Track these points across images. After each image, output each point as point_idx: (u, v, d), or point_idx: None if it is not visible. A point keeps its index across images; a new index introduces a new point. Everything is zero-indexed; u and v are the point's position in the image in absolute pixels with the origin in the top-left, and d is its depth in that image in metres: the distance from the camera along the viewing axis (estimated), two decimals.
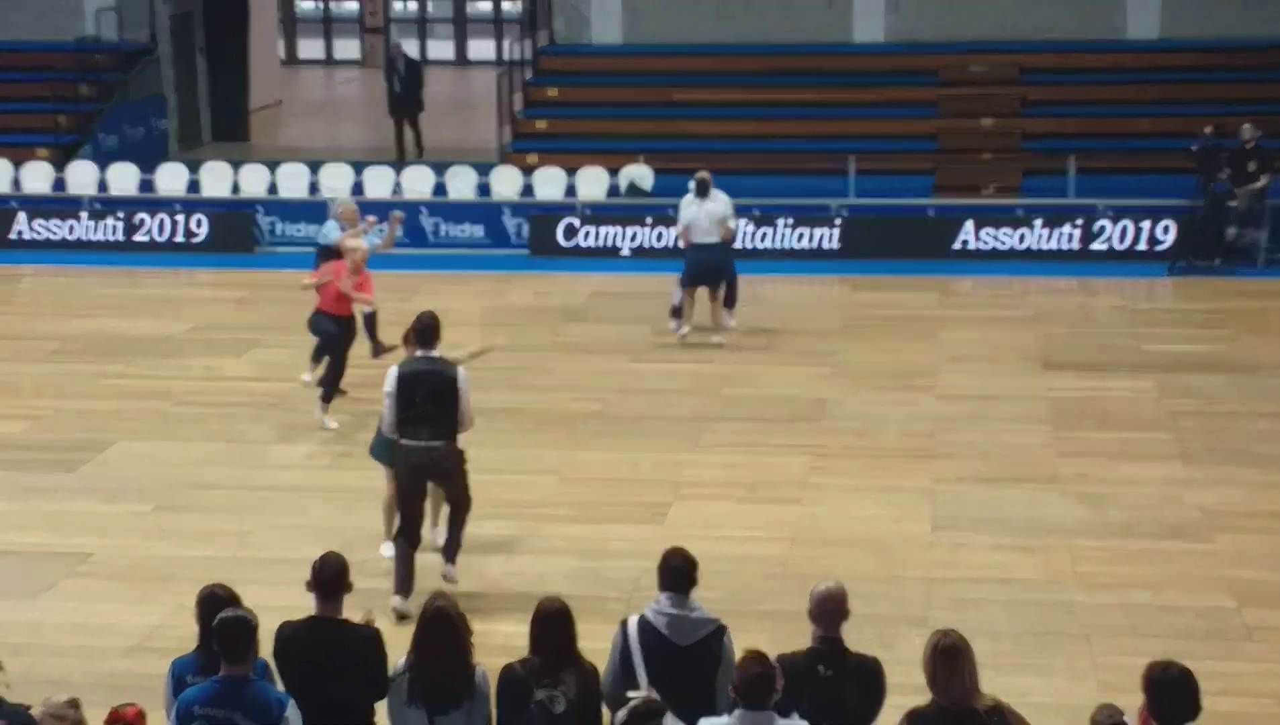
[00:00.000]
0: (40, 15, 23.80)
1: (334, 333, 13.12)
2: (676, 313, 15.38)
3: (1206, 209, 17.76)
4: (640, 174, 20.02)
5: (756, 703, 5.74)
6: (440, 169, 20.66)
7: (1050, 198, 19.12)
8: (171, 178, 20.93)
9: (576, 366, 14.74)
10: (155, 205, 20.12)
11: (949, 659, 5.75)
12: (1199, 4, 21.75)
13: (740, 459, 12.27)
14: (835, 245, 18.83)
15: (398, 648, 6.46)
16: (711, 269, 15.12)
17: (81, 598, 10.05)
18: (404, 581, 9.51)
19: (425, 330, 9.59)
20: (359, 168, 20.79)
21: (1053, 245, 18.50)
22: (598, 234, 19.20)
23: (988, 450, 12.36)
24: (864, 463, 12.14)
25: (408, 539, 9.59)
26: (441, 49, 35.71)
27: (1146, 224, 18.33)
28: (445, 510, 10.05)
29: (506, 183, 20.24)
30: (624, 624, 6.48)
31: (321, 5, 38.67)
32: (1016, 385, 14.02)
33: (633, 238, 19.12)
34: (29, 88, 22.68)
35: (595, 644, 6.50)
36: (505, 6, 36.08)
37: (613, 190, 20.01)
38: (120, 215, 19.91)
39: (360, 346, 13.68)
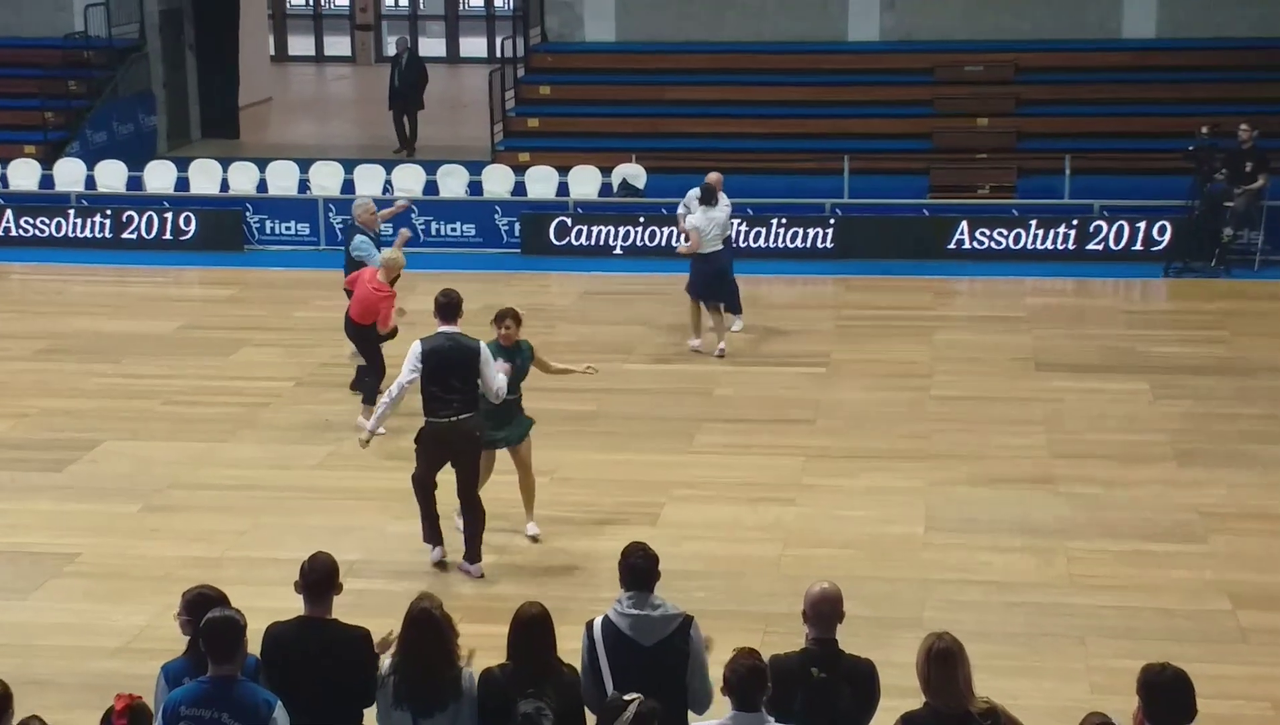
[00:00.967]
0: (29, 11, 23.75)
1: (371, 338, 12.87)
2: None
3: (1203, 209, 17.72)
4: (633, 173, 19.97)
5: (748, 700, 5.68)
6: (432, 167, 20.60)
7: (1045, 198, 19.09)
8: (160, 175, 20.85)
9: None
10: (144, 203, 20.03)
11: (943, 662, 5.70)
12: (1195, 4, 21.75)
13: (733, 460, 12.22)
14: (829, 245, 18.78)
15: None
16: (719, 278, 14.93)
17: (69, 598, 9.99)
18: (434, 534, 10.13)
19: (447, 306, 9.85)
20: (349, 166, 20.73)
21: (1048, 246, 18.45)
22: (590, 233, 19.13)
23: (982, 451, 12.31)
24: (858, 464, 12.09)
25: (426, 496, 10.01)
26: (433, 46, 35.63)
27: (1142, 224, 18.29)
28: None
29: (498, 181, 20.18)
30: (589, 626, 6.41)
31: (312, 1, 38.59)
32: (1011, 386, 13.98)
33: (625, 237, 19.05)
34: (17, 84, 22.60)
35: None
36: (497, 3, 36.02)
37: (605, 189, 19.95)
38: (108, 213, 19.82)
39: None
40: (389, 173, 20.50)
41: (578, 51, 23.11)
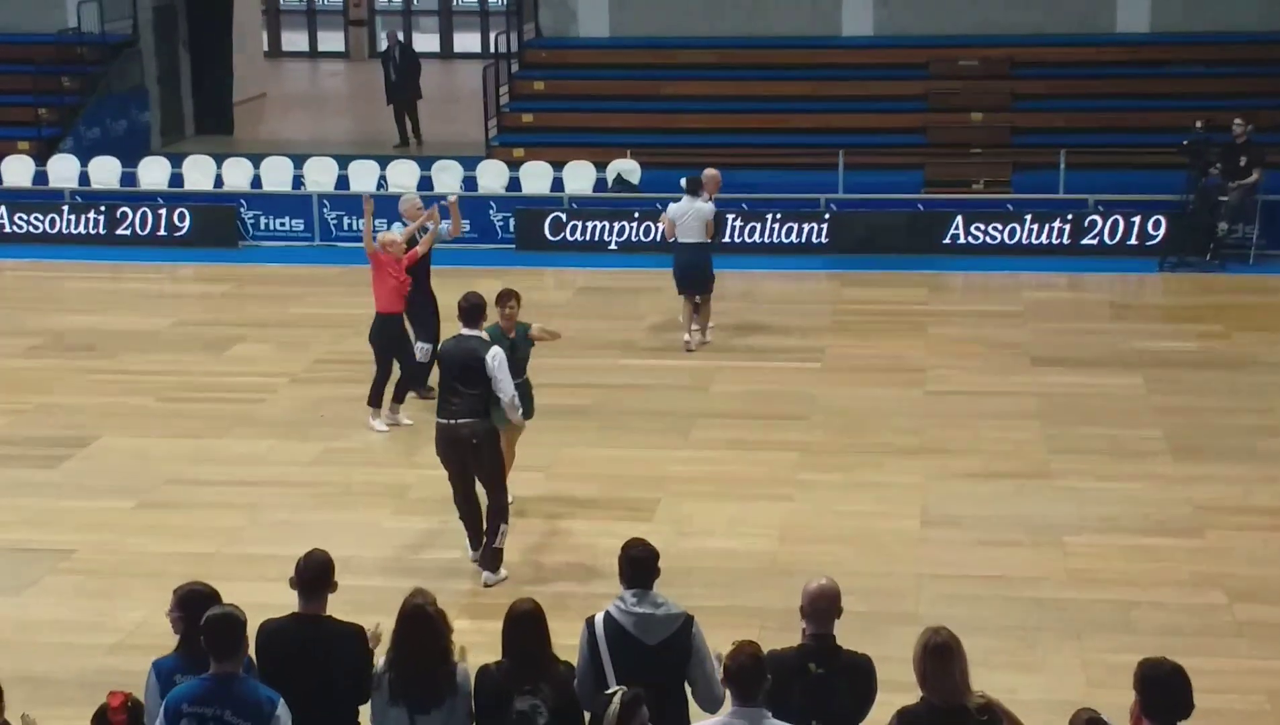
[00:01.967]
0: (22, 7, 23.67)
1: (396, 334, 12.83)
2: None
3: (1197, 204, 17.73)
4: (628, 168, 19.95)
5: (747, 691, 5.68)
6: (426, 163, 20.57)
7: (1040, 192, 19.07)
8: (154, 171, 20.81)
9: (563, 362, 14.66)
10: (137, 199, 19.99)
11: (940, 657, 5.70)
12: None
13: (729, 455, 12.21)
14: (824, 240, 18.77)
15: (382, 647, 6.37)
16: (697, 270, 14.83)
17: (64, 594, 9.98)
18: (474, 537, 10.06)
19: (468, 310, 9.98)
20: (344, 161, 20.69)
21: (1043, 240, 18.45)
22: (584, 228, 19.11)
23: (977, 446, 12.31)
24: (853, 459, 12.08)
25: (461, 503, 10.00)
26: (427, 41, 35.56)
27: (1137, 219, 18.29)
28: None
29: (492, 177, 20.16)
30: (590, 622, 6.39)
31: None
32: (1006, 381, 13.98)
33: (620, 232, 19.03)
34: (10, 80, 22.56)
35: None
36: None
37: (600, 185, 19.92)
38: (102, 209, 19.79)
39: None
40: (383, 168, 20.47)
41: (572, 47, 23.08)
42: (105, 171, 20.80)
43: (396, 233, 13.13)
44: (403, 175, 20.33)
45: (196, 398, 13.81)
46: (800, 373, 14.29)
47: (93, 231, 19.75)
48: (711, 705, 6.31)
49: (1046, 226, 18.45)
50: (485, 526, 9.96)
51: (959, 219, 18.61)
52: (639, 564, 6.40)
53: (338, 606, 6.54)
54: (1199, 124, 17.69)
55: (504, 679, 6.08)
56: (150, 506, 11.33)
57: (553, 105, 22.17)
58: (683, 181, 15.06)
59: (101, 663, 8.87)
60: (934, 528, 10.77)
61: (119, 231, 19.70)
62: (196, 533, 10.81)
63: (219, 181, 20.58)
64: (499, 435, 10.06)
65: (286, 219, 19.74)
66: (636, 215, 18.96)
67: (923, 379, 14.02)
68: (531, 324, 10.84)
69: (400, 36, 25.74)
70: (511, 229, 19.34)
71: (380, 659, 6.29)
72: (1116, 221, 18.34)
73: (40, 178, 20.76)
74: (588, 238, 19.08)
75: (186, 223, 19.66)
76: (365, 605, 7.25)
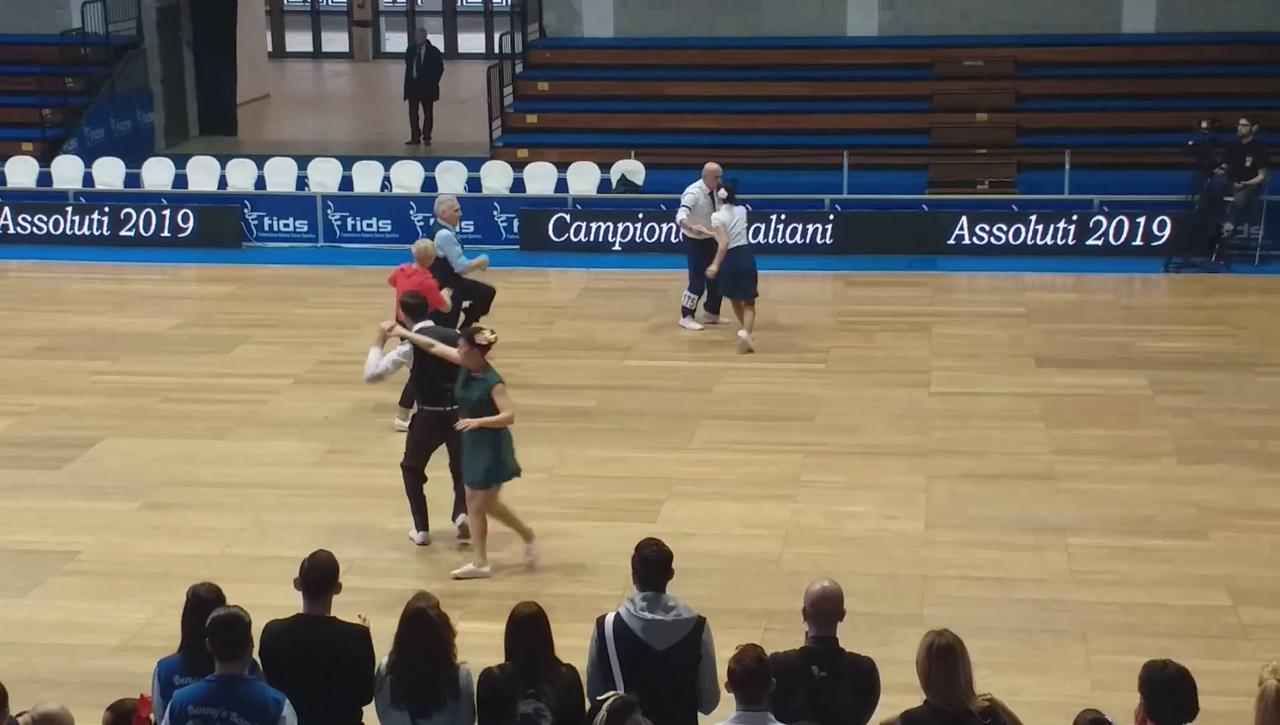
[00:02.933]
0: (26, 8, 23.68)
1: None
2: (690, 312, 15.53)
3: (1202, 205, 17.69)
4: (631, 169, 19.93)
5: (752, 695, 5.67)
6: (430, 163, 20.57)
7: (1045, 193, 19.05)
8: (158, 172, 20.81)
9: (567, 363, 14.66)
10: (142, 200, 19.99)
11: (944, 659, 5.68)
12: None
13: (733, 456, 12.20)
14: (828, 241, 18.75)
15: (383, 646, 6.37)
16: (752, 273, 14.88)
17: (69, 596, 9.97)
18: (421, 514, 10.47)
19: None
20: (348, 162, 20.69)
21: (1047, 241, 18.42)
22: (588, 229, 19.10)
23: (982, 447, 12.29)
24: (857, 460, 12.07)
25: (416, 476, 10.39)
26: (431, 42, 35.58)
27: (1142, 220, 18.26)
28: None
29: (497, 177, 20.15)
30: (600, 623, 6.37)
31: None
32: (1011, 382, 13.96)
33: (624, 233, 19.01)
34: (14, 81, 22.55)
35: (585, 644, 6.40)
36: (496, 0, 35.95)
37: (603, 185, 19.91)
38: (106, 210, 19.78)
39: None
40: (387, 169, 20.47)
41: (576, 47, 23.06)
42: (109, 172, 20.80)
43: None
44: (407, 176, 20.32)
45: (200, 399, 13.81)
46: (804, 373, 14.27)
47: (96, 232, 19.75)
48: (708, 705, 6.31)
49: (1051, 227, 18.42)
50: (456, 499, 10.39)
51: (964, 219, 18.59)
52: (653, 565, 6.36)
53: (340, 608, 6.53)
54: (1204, 124, 17.64)
55: (507, 682, 6.07)
56: (154, 508, 11.32)
57: (557, 106, 22.15)
58: (722, 192, 14.99)
59: (105, 664, 8.87)
60: (938, 529, 10.75)
61: (123, 232, 19.70)
62: (200, 534, 10.81)
63: (223, 182, 20.58)
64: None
65: (290, 220, 19.73)
66: (640, 216, 18.95)
67: (927, 380, 14.00)
68: (502, 381, 9.80)
69: (426, 36, 25.84)
70: (515, 230, 19.33)
71: (383, 660, 6.28)
72: (1121, 222, 18.32)
73: (44, 179, 20.76)
74: (592, 238, 19.07)
75: (190, 224, 19.65)
76: (367, 607, 7.22)
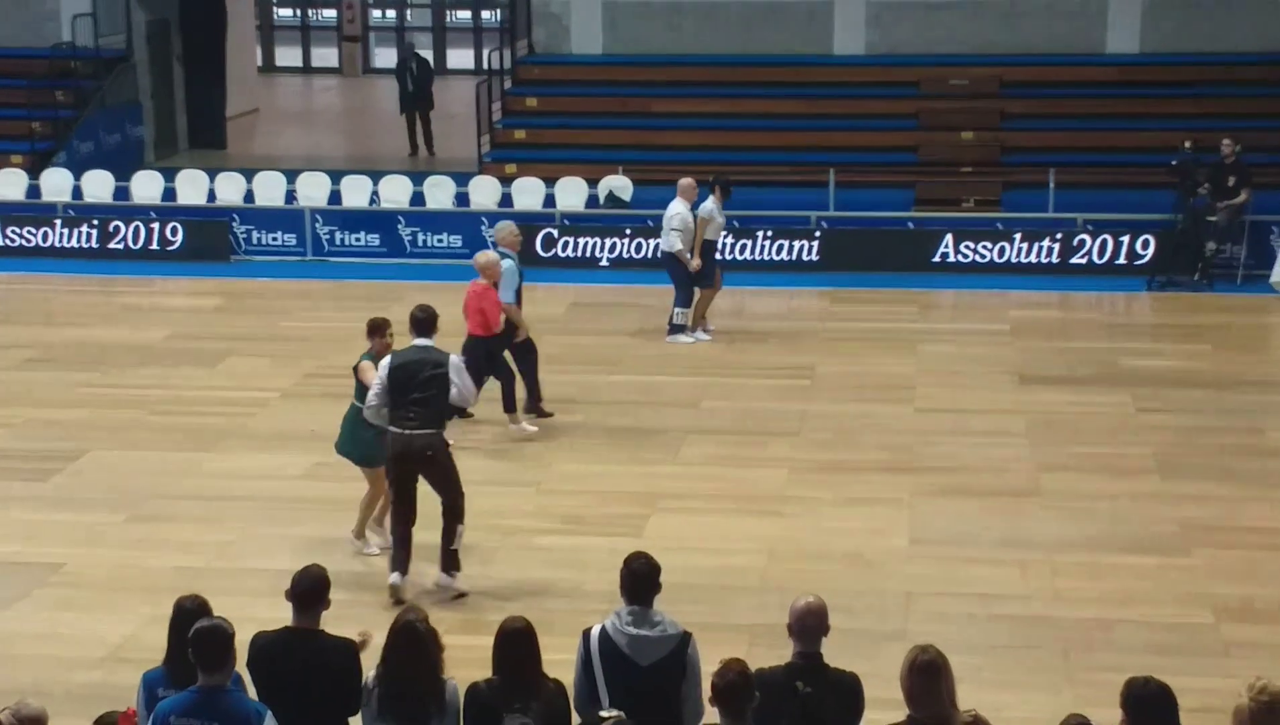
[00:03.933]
0: (16, 21, 23.69)
1: (487, 351, 12.91)
2: (681, 328, 15.73)
3: (1186, 224, 17.80)
4: (619, 185, 19.99)
5: (736, 710, 5.70)
6: (419, 178, 20.60)
7: (1030, 211, 19.14)
8: (147, 185, 20.82)
9: (554, 378, 14.68)
10: (130, 213, 19.99)
11: (927, 675, 5.72)
12: (1179, 19, 21.84)
13: (719, 471, 12.23)
14: (814, 257, 18.82)
15: (371, 661, 6.40)
16: (714, 264, 15.84)
17: (54, 608, 9.97)
18: (402, 561, 9.85)
19: (423, 321, 9.97)
20: (336, 176, 20.72)
21: (1032, 259, 18.51)
22: (576, 245, 19.15)
23: (966, 464, 12.35)
24: (842, 476, 12.11)
25: (404, 519, 9.87)
26: (420, 54, 35.64)
27: (1126, 238, 18.36)
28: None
29: (485, 193, 20.19)
30: (586, 635, 6.40)
31: (299, 13, 38.60)
32: (995, 399, 14.02)
33: (612, 249, 19.07)
34: (4, 94, 22.57)
35: (570, 657, 6.43)
36: (484, 16, 36.04)
37: (591, 201, 19.97)
38: (95, 223, 19.79)
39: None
40: (376, 184, 20.50)
41: (565, 64, 23.14)
42: (98, 185, 20.81)
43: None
44: (396, 191, 20.36)
45: (187, 411, 13.82)
46: (790, 390, 14.32)
47: (85, 245, 19.75)
48: (692, 720, 6.33)
49: (1036, 245, 18.52)
50: (442, 531, 9.96)
51: (949, 237, 18.67)
52: (639, 578, 6.40)
53: (327, 621, 6.55)
54: (1187, 144, 17.76)
55: (494, 697, 6.09)
56: (140, 520, 11.33)
57: (545, 121, 22.22)
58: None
59: (90, 677, 8.86)
60: (922, 545, 10.79)
61: (111, 245, 19.70)
62: (186, 546, 10.81)
63: (211, 196, 20.59)
64: (447, 445, 10.01)
65: (279, 233, 19.75)
66: (628, 232, 19.00)
67: (912, 396, 14.05)
68: (373, 360, 10.34)
69: (414, 48, 25.96)
70: None
71: (370, 673, 6.31)
72: (1105, 241, 18.41)
73: (33, 191, 20.75)
74: (579, 254, 19.12)
75: (179, 237, 19.66)
76: (354, 620, 7.26)
